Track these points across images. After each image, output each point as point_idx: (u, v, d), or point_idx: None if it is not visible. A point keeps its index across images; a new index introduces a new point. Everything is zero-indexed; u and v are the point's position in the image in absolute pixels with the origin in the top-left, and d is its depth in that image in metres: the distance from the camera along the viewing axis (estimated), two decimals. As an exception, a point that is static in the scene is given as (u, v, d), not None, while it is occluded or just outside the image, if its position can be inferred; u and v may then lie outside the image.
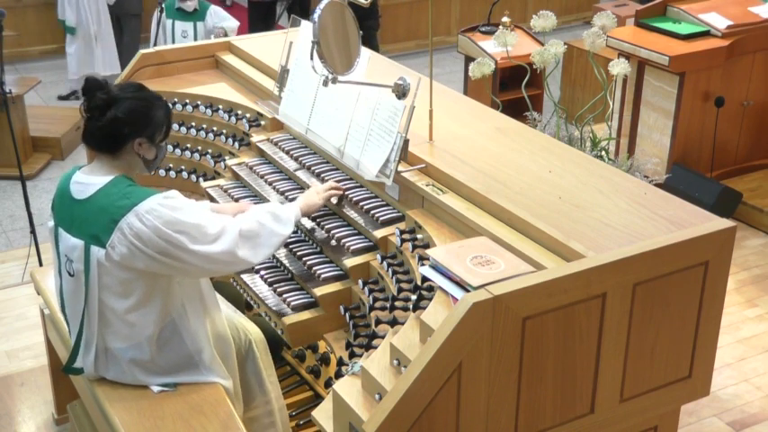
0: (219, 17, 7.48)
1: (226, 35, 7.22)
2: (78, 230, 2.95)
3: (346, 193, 3.48)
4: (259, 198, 3.78)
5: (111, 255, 2.89)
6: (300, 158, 3.78)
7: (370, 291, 3.13)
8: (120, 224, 2.86)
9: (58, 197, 3.07)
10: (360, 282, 3.21)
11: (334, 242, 3.36)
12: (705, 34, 5.92)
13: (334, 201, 3.47)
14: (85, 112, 2.97)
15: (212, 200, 3.88)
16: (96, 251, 2.91)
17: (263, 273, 3.40)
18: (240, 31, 7.68)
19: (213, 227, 2.95)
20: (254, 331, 3.34)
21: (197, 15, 7.37)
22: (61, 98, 8.79)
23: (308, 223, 3.49)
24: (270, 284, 3.35)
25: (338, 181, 3.56)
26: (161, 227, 2.85)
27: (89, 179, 2.97)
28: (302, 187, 3.71)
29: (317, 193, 3.41)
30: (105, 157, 2.99)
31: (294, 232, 3.52)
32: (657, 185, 3.29)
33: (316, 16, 3.26)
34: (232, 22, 7.57)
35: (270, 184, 3.78)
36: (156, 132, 3.02)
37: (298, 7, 9.50)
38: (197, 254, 2.90)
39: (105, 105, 2.93)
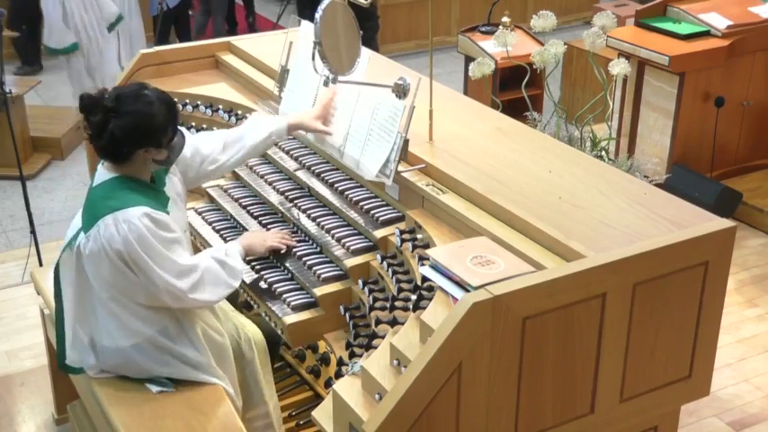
0: None
1: None
2: (83, 213, 3.04)
3: (348, 194, 3.49)
4: (259, 198, 3.78)
5: (83, 247, 2.94)
6: (300, 158, 3.78)
7: (370, 291, 3.13)
8: (98, 222, 2.90)
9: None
10: (360, 282, 3.20)
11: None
12: (705, 34, 5.91)
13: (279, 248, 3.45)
14: (85, 131, 2.98)
15: (212, 200, 3.89)
16: (80, 237, 2.97)
17: (263, 273, 3.40)
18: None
19: (182, 262, 2.97)
20: (252, 330, 3.35)
21: None
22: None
23: (308, 223, 3.49)
24: (270, 284, 3.34)
25: (338, 181, 3.56)
26: (131, 241, 2.87)
27: (102, 170, 3.04)
28: (302, 187, 3.71)
29: (263, 240, 3.39)
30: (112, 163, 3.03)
31: (294, 232, 3.52)
32: (657, 185, 3.29)
33: (317, 16, 3.27)
34: None
35: (270, 184, 3.78)
36: (162, 137, 2.99)
37: (309, 2, 9.42)
38: (159, 278, 2.91)
39: (103, 124, 2.90)
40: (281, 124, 3.50)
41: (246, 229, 3.60)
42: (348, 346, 3.03)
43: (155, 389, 3.07)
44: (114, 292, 2.98)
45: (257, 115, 3.54)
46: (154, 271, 2.90)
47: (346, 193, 3.50)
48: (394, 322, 2.90)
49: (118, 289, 2.97)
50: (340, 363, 3.10)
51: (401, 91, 3.29)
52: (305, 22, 3.94)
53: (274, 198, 3.70)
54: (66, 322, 3.13)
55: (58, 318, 3.15)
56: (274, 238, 3.41)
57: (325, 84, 3.43)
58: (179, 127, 3.09)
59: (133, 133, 2.92)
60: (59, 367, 3.24)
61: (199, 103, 4.35)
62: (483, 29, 6.87)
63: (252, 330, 3.34)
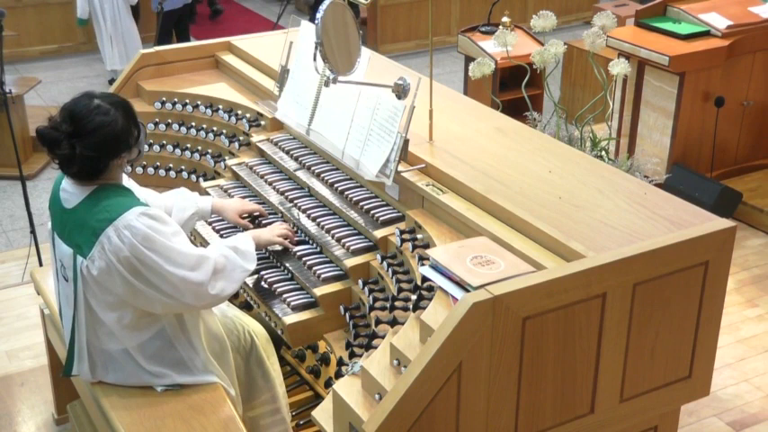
0: None
1: None
2: (68, 238, 2.96)
3: (348, 194, 3.49)
4: (259, 198, 3.78)
5: (90, 268, 2.87)
6: (300, 158, 3.79)
7: (370, 291, 3.13)
8: (100, 238, 2.84)
9: (52, 201, 3.06)
10: (360, 282, 3.21)
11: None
12: (705, 34, 5.92)
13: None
14: (54, 161, 2.90)
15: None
16: (80, 261, 2.90)
17: (263, 273, 3.40)
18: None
19: (192, 252, 2.93)
20: (255, 327, 3.35)
21: None
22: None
23: (308, 223, 3.49)
24: (270, 284, 3.35)
25: (338, 181, 3.57)
26: (137, 244, 2.82)
27: (73, 188, 2.96)
28: (302, 187, 3.71)
29: (270, 229, 3.40)
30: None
31: (294, 232, 3.52)
32: (657, 185, 3.29)
33: (318, 17, 3.27)
34: None
35: (270, 184, 3.78)
36: (129, 139, 2.93)
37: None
38: (173, 276, 2.87)
39: (70, 151, 2.83)
40: (205, 206, 3.51)
41: (246, 229, 3.60)
42: (348, 346, 3.03)
43: (159, 387, 3.07)
44: (128, 309, 2.92)
45: (183, 192, 3.51)
46: (167, 270, 2.85)
47: (346, 193, 3.50)
48: (394, 322, 2.90)
49: (133, 305, 2.92)
50: (340, 363, 3.10)
51: (401, 91, 3.29)
52: (305, 22, 3.95)
53: (274, 198, 3.70)
54: (76, 337, 3.06)
55: (70, 333, 3.10)
56: (281, 228, 3.42)
57: (326, 84, 3.43)
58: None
59: (103, 148, 2.85)
60: (63, 375, 3.23)
61: (199, 103, 4.35)
62: (483, 29, 6.88)
63: (253, 325, 3.35)
